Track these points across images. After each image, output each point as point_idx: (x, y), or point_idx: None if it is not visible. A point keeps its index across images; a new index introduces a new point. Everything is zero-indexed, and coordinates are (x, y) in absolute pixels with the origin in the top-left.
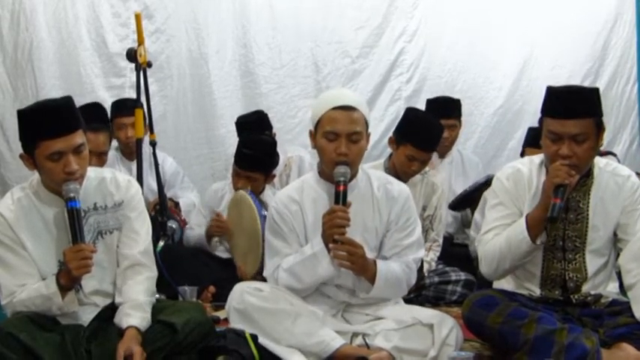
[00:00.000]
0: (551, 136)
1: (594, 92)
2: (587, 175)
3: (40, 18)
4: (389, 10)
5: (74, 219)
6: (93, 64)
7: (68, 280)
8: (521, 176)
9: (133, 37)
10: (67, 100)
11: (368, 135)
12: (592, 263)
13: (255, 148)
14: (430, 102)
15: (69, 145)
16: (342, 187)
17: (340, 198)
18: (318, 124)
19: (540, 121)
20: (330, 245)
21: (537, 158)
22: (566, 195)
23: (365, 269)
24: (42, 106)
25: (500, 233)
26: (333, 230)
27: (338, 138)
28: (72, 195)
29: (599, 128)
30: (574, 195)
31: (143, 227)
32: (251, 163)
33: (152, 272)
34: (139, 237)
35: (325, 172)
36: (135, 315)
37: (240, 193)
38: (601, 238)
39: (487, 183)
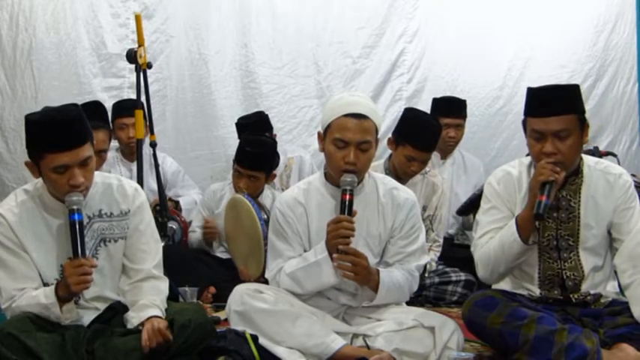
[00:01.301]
0: (534, 135)
1: (574, 89)
2: (576, 174)
3: (39, 19)
4: (389, 10)
5: (76, 232)
6: (91, 65)
7: (67, 293)
8: (511, 178)
9: (132, 37)
10: (77, 113)
11: (377, 141)
12: (587, 261)
13: (258, 146)
14: (437, 101)
15: (75, 159)
16: (348, 197)
17: (346, 207)
18: (328, 129)
19: (524, 122)
20: (334, 255)
21: (527, 160)
22: (553, 192)
23: (368, 279)
24: (51, 119)
25: (494, 237)
26: (338, 240)
27: (347, 146)
28: (75, 207)
29: (583, 124)
30: (564, 194)
31: (153, 239)
32: (253, 161)
33: (165, 283)
34: (150, 249)
35: (332, 176)
36: (155, 309)
37: (237, 197)
38: (595, 237)
39: None
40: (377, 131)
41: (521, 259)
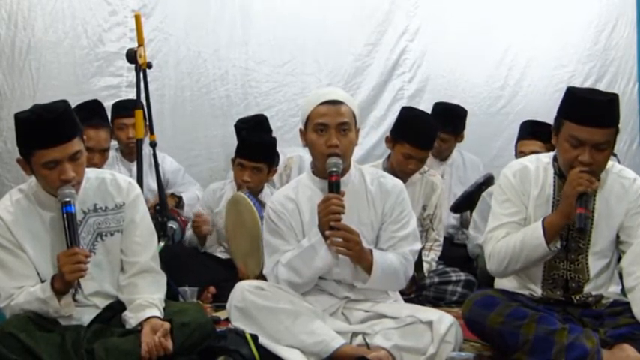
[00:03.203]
0: (572, 142)
1: (617, 99)
2: None
3: (38, 18)
4: (391, 8)
5: (69, 224)
6: (89, 64)
7: (62, 284)
8: (528, 173)
9: (130, 35)
10: (65, 108)
11: (357, 130)
12: (594, 264)
13: (260, 137)
14: (436, 108)
15: (64, 154)
16: (334, 178)
17: (334, 188)
18: (307, 121)
19: (557, 120)
20: (327, 232)
21: (545, 157)
22: (590, 203)
23: (361, 257)
24: (38, 116)
25: (510, 232)
26: (329, 217)
27: (328, 131)
28: (67, 200)
29: (616, 134)
30: None
31: (148, 231)
32: (256, 152)
33: (163, 278)
34: (145, 242)
35: (319, 170)
36: (153, 309)
37: (239, 195)
38: (604, 240)
39: (486, 182)
40: (355, 118)
41: (540, 262)
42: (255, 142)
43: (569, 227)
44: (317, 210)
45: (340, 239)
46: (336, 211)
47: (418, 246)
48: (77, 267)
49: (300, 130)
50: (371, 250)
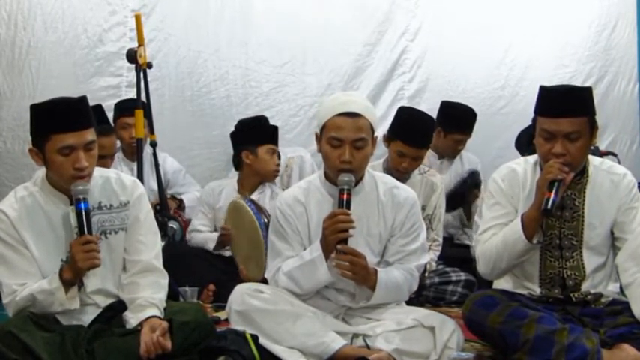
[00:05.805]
0: (544, 135)
1: (587, 91)
2: (581, 174)
3: (38, 18)
4: (391, 8)
5: (83, 219)
6: (89, 64)
7: (73, 274)
8: (516, 176)
9: (130, 35)
10: (83, 99)
11: (375, 139)
12: (589, 261)
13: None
14: (458, 110)
15: (81, 140)
16: (345, 196)
17: (344, 206)
18: (323, 129)
19: (534, 120)
20: (333, 256)
21: (532, 158)
22: (561, 191)
23: (366, 279)
24: (58, 101)
25: (497, 233)
26: (337, 235)
27: (342, 145)
28: (81, 196)
29: (592, 127)
30: (569, 193)
31: (151, 231)
32: (272, 133)
33: (165, 278)
34: (148, 241)
35: (331, 175)
36: (153, 308)
37: (238, 201)
38: (598, 236)
39: (470, 177)
40: (373, 129)
41: (524, 257)
42: (270, 125)
43: (562, 225)
44: (322, 225)
45: (346, 263)
46: (343, 228)
47: (426, 259)
48: (91, 255)
49: (316, 134)
50: (375, 270)
